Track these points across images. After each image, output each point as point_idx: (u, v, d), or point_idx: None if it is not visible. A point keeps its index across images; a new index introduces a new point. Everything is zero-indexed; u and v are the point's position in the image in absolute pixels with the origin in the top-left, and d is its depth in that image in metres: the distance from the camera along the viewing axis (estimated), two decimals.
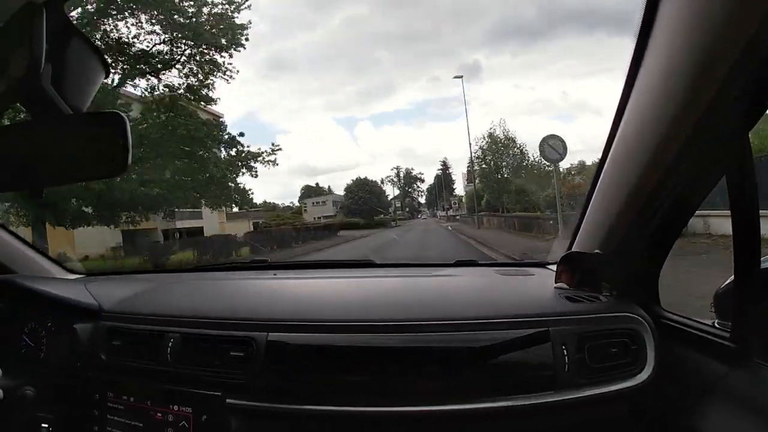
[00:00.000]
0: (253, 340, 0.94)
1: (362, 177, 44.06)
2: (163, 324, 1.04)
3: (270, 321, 0.97)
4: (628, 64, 0.74)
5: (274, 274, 1.49)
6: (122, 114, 0.57)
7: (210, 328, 1.00)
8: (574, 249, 1.10)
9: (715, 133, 0.68)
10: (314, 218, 35.76)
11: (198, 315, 1.04)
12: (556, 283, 1.07)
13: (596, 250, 1.00)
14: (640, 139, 0.77)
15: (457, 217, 33.36)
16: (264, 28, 65.91)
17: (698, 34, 0.58)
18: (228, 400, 0.92)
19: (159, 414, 0.96)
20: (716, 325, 0.88)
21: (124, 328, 1.08)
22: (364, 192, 41.76)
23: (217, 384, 0.94)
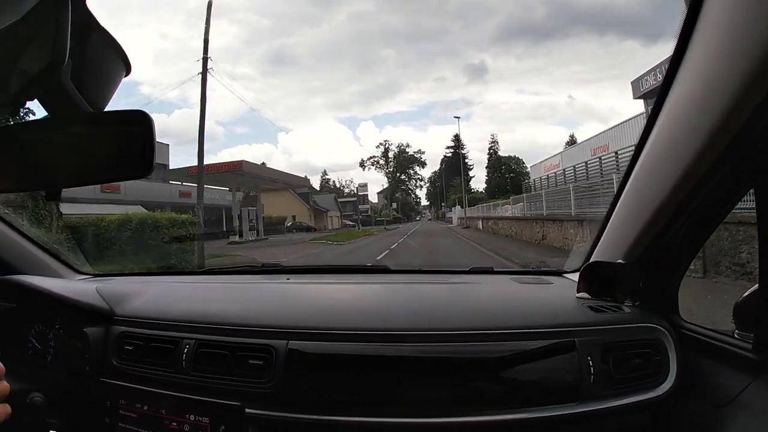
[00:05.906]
0: (273, 348, 0.91)
1: None
2: (178, 330, 1.01)
3: (289, 328, 0.94)
4: (664, 73, 0.72)
5: (288, 279, 1.45)
6: (147, 113, 0.55)
7: (227, 335, 0.97)
8: (595, 258, 1.08)
9: (749, 144, 0.67)
10: None
11: (214, 321, 1.00)
12: (578, 292, 1.05)
13: (619, 260, 0.98)
14: (673, 150, 0.76)
15: None
16: (266, 23, 65.59)
17: (738, 47, 0.57)
18: (247, 410, 0.89)
19: (174, 423, 0.93)
20: (736, 335, 0.87)
21: (136, 334, 1.05)
22: None
23: (235, 393, 0.91)
